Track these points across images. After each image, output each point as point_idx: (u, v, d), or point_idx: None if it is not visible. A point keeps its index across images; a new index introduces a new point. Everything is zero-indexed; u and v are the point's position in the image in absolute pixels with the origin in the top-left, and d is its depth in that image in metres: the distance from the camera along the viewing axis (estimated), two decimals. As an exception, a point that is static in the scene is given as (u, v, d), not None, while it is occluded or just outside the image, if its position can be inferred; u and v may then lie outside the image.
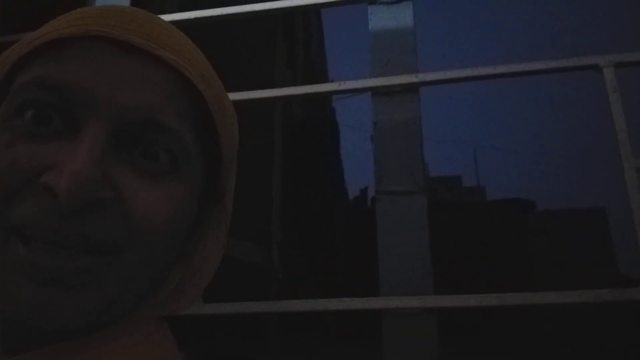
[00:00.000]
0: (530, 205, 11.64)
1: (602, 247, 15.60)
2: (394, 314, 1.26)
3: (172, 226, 0.44)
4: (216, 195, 0.53)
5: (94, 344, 0.44)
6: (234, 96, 1.52)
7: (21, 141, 0.41)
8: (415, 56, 1.48)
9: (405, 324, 1.25)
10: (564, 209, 17.15)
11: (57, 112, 0.41)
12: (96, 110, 0.41)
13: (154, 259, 0.43)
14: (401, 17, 1.50)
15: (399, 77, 1.43)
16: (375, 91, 1.45)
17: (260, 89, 1.52)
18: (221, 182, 0.52)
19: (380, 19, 1.51)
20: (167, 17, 1.56)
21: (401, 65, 1.47)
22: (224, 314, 1.32)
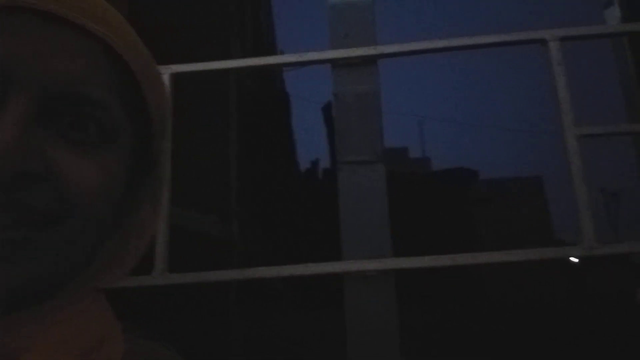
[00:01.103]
0: (473, 175, 12.09)
1: (539, 213, 16.49)
2: (356, 277, 1.33)
3: (104, 197, 0.44)
4: (148, 165, 0.53)
5: (34, 317, 0.44)
6: (193, 67, 1.51)
7: None
8: (374, 29, 1.51)
9: (366, 285, 1.32)
10: (504, 177, 17.94)
11: None
12: (20, 84, 0.40)
13: (88, 230, 0.43)
14: (359, -10, 1.52)
15: (358, 49, 1.46)
16: (335, 63, 1.48)
17: (213, 60, 1.52)
18: (153, 152, 0.52)
19: (339, -10, 1.53)
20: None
21: (360, 38, 1.50)
22: (190, 283, 1.34)
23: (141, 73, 0.48)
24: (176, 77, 1.49)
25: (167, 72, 1.47)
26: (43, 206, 0.40)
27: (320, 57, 1.47)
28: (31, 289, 0.41)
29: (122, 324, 0.54)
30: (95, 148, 0.43)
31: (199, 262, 1.70)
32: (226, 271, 1.32)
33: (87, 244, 0.45)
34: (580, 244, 1.28)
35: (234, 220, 2.30)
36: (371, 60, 1.47)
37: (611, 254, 1.28)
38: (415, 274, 1.35)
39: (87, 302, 0.50)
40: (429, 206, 9.49)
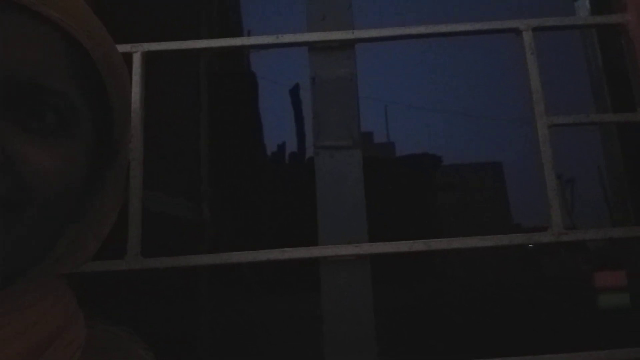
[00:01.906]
0: (437, 160, 12.30)
1: (500, 199, 16.97)
2: (332, 261, 1.33)
3: (63, 184, 0.44)
4: (111, 153, 0.53)
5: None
6: (165, 46, 1.47)
7: None
8: (351, 12, 1.50)
9: (342, 270, 1.33)
10: (467, 163, 18.34)
11: None
12: None
13: (47, 217, 0.43)
14: (337, -28, 1.51)
15: (336, 32, 1.45)
16: (312, 46, 1.47)
17: (183, 39, 1.48)
18: (115, 139, 0.52)
19: (317, -28, 1.51)
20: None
21: (337, 21, 1.49)
22: (164, 268, 1.32)
23: (101, 61, 0.47)
24: (147, 56, 1.45)
25: (138, 50, 1.43)
26: (2, 194, 0.40)
27: (297, 39, 1.46)
28: None
29: (85, 310, 0.55)
30: (54, 136, 0.43)
31: (168, 245, 1.68)
32: (201, 256, 1.31)
33: (46, 231, 0.45)
34: (549, 230, 1.32)
35: (204, 202, 2.27)
36: (349, 44, 1.46)
37: (578, 240, 1.33)
38: (389, 259, 1.37)
39: (49, 288, 0.50)
40: (393, 191, 9.61)
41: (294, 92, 8.26)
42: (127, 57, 1.44)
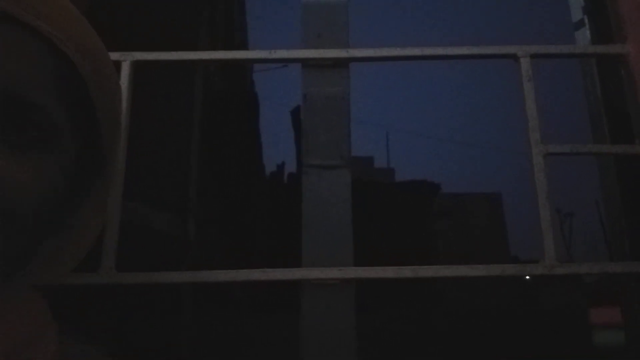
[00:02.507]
0: (435, 188, 12.27)
1: (497, 230, 16.89)
2: (314, 285, 1.28)
3: (42, 198, 0.43)
4: (97, 165, 0.52)
5: None
6: (155, 56, 1.44)
7: None
8: (347, 31, 1.48)
9: (325, 294, 1.28)
10: (465, 192, 18.32)
11: None
12: None
13: (25, 230, 0.42)
14: (335, -10, 1.49)
15: (330, 50, 1.42)
16: (305, 63, 1.44)
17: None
18: (101, 153, 0.51)
19: (314, -10, 1.49)
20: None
21: (333, 39, 1.47)
22: (138, 284, 1.26)
23: (89, 75, 0.46)
24: (137, 65, 1.42)
25: (127, 59, 1.40)
26: None
27: (291, 55, 1.43)
28: None
29: (58, 325, 0.53)
30: (33, 151, 0.42)
31: (151, 260, 1.62)
32: (178, 273, 1.25)
33: (23, 244, 0.44)
34: (541, 262, 1.27)
35: (190, 219, 2.23)
36: (343, 62, 1.44)
37: (571, 273, 1.28)
38: (376, 284, 1.32)
39: (20, 300, 0.48)
40: (390, 216, 9.56)
41: (295, 113, 8.25)
42: (116, 65, 1.41)
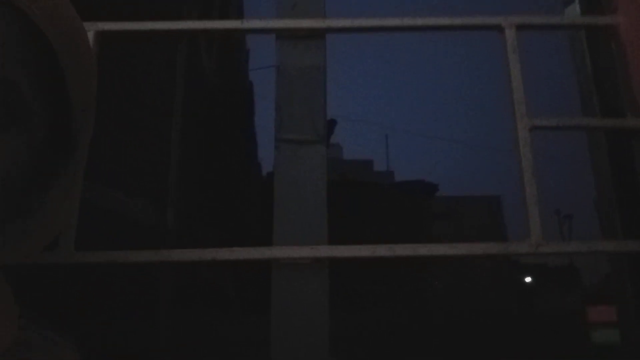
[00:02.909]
0: (433, 189, 12.20)
1: (495, 233, 16.81)
2: (285, 264, 1.20)
3: (6, 179, 0.42)
4: (67, 147, 0.49)
5: None
6: (122, 26, 1.37)
7: None
8: (323, 2, 1.41)
9: (297, 274, 1.20)
10: (463, 195, 18.25)
11: None
12: None
13: None
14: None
15: (305, 20, 1.35)
16: (280, 34, 1.37)
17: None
18: (72, 134, 0.49)
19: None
20: None
21: (308, 10, 1.40)
22: (97, 263, 1.19)
23: (63, 51, 0.43)
24: (103, 37, 1.34)
25: (92, 29, 1.33)
26: None
27: (265, 25, 1.36)
28: None
29: (20, 311, 0.52)
30: (0, 129, 0.40)
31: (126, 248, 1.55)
32: (139, 251, 1.18)
33: None
34: (526, 240, 1.19)
35: (170, 208, 2.15)
36: (319, 33, 1.37)
37: (558, 252, 1.21)
38: (352, 267, 1.24)
39: None
40: (385, 218, 9.48)
41: None
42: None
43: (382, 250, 1.18)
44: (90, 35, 1.33)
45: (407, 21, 1.37)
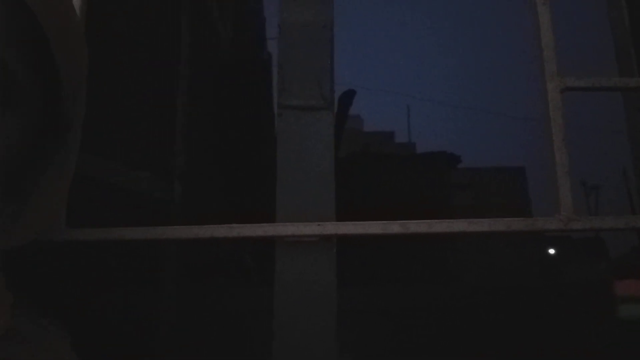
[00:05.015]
0: (456, 160, 11.96)
1: (519, 204, 16.51)
2: (290, 242, 1.11)
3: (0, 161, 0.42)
4: (59, 132, 0.49)
5: None
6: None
7: None
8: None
9: (302, 252, 1.11)
10: (487, 166, 17.93)
11: None
12: None
13: None
14: None
15: (309, -28, 1.23)
16: (282, -11, 1.25)
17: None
18: (62, 115, 0.48)
19: None
20: None
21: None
22: (89, 240, 1.12)
23: (52, 28, 0.47)
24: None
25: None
26: None
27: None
28: None
29: (14, 297, 0.51)
30: None
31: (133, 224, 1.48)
32: (134, 228, 1.10)
33: None
34: (556, 215, 1.08)
35: (177, 181, 2.08)
36: (325, -13, 1.24)
37: (591, 228, 1.09)
38: (361, 239, 1.14)
39: None
40: (409, 189, 9.34)
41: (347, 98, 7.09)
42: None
43: (394, 227, 1.08)
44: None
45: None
